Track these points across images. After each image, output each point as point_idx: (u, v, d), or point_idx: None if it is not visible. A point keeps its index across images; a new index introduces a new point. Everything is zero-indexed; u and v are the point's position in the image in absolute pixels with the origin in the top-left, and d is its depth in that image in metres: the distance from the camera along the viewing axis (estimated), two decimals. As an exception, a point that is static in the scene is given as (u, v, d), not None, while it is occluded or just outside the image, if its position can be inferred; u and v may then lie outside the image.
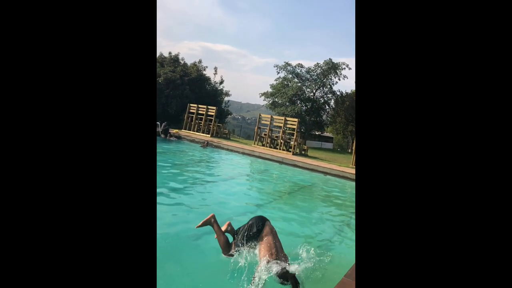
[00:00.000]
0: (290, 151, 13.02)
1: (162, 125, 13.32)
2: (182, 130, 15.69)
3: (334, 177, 9.48)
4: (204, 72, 21.62)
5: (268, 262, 2.40)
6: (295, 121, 13.50)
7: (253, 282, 2.32)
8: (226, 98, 22.91)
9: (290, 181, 8.58)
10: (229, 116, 25.19)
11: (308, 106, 23.86)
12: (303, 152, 13.86)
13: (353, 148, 15.05)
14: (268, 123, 13.91)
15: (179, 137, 13.78)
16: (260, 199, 6.09)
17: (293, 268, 2.40)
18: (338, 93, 24.80)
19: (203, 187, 6.13)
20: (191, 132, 15.52)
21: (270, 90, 24.74)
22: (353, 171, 9.60)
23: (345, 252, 3.74)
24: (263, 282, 2.30)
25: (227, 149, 12.40)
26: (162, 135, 13.15)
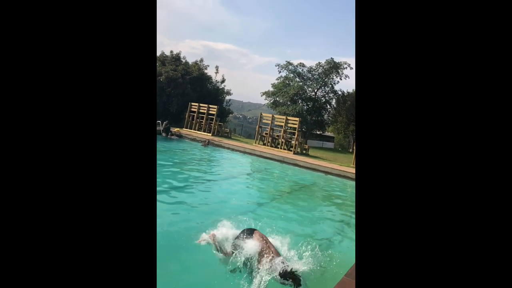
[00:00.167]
0: (291, 150, 13.02)
1: (163, 124, 13.33)
2: (183, 128, 15.71)
3: (335, 176, 9.48)
4: (206, 71, 21.59)
5: (267, 263, 2.40)
6: (296, 120, 13.49)
7: (254, 282, 2.32)
8: (228, 97, 22.88)
9: (291, 180, 8.59)
10: (230, 115, 25.15)
11: (310, 106, 23.82)
12: (304, 152, 13.86)
13: (354, 147, 15.03)
14: (270, 122, 13.91)
15: (180, 136, 13.80)
16: (261, 198, 6.10)
17: (293, 267, 2.40)
18: (339, 92, 24.76)
19: (203, 185, 6.14)
20: (192, 130, 15.53)
21: (271, 89, 24.67)
22: (354, 170, 9.59)
23: (345, 251, 3.74)
24: (264, 282, 2.30)
25: (228, 148, 12.41)
26: (163, 134, 13.17)
